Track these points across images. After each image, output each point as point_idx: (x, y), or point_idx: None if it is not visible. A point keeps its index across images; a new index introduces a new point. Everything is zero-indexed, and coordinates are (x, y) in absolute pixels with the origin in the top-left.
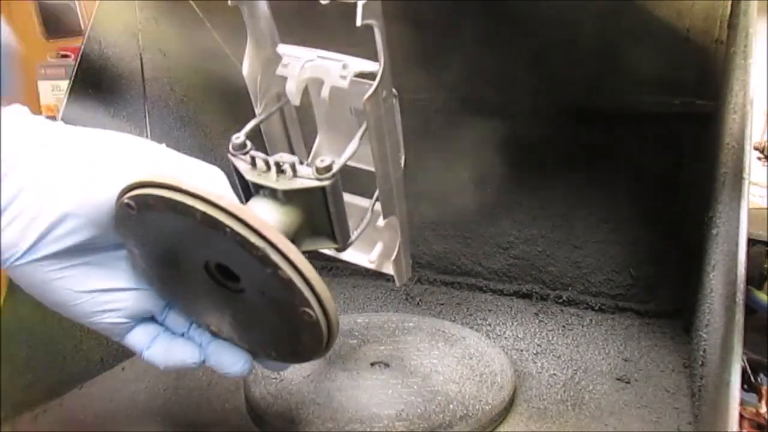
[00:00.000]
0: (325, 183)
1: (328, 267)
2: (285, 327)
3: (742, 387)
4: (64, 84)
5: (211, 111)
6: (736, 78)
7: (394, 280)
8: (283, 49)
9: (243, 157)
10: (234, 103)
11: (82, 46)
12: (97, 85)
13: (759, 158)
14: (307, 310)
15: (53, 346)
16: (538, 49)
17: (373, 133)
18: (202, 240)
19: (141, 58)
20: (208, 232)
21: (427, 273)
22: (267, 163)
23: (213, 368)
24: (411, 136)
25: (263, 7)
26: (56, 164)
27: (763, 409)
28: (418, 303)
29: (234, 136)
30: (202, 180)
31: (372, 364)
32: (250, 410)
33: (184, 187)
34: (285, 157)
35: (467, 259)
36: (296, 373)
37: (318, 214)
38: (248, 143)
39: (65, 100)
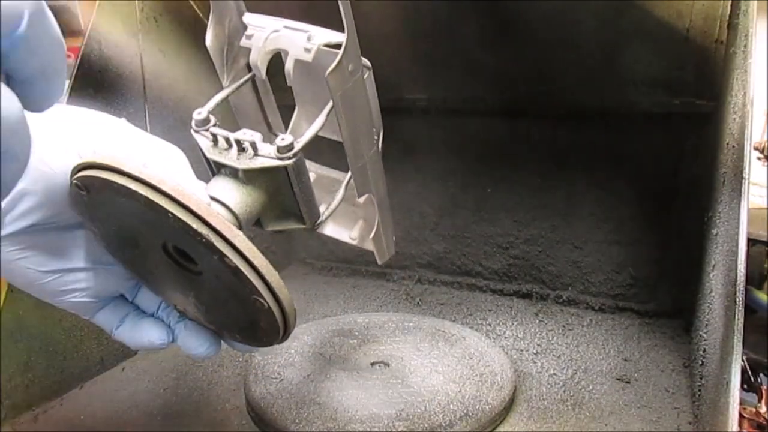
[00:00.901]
0: (287, 162)
1: (328, 267)
2: (242, 312)
3: (742, 387)
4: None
5: (211, 111)
6: (736, 78)
7: (394, 280)
8: (249, 18)
9: (205, 133)
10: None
11: (82, 46)
12: (97, 85)
13: (759, 158)
14: (258, 298)
15: (53, 346)
16: (537, 49)
17: (339, 109)
18: (153, 223)
19: (141, 58)
20: (156, 216)
21: (427, 273)
22: (228, 141)
23: (180, 348)
24: (411, 135)
25: None
26: None
27: (763, 409)
28: (418, 303)
29: (195, 112)
30: (158, 159)
31: (372, 364)
32: (250, 410)
33: (126, 169)
34: (246, 135)
35: (467, 259)
36: (296, 373)
37: (283, 194)
38: (212, 118)
39: (65, 100)
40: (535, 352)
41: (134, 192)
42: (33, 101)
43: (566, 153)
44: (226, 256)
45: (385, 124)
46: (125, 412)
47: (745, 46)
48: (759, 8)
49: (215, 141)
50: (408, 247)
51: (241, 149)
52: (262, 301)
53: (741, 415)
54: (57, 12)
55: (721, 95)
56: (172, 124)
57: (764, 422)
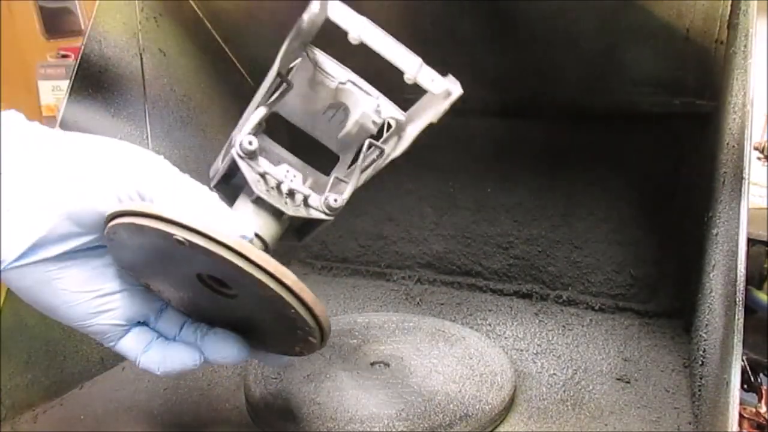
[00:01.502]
0: (331, 218)
1: (328, 267)
2: (279, 330)
3: (742, 387)
4: (64, 84)
5: (211, 111)
6: (736, 78)
7: (394, 280)
8: (318, 57)
9: (252, 163)
10: (235, 103)
11: (82, 46)
12: (97, 85)
13: (759, 158)
14: (311, 337)
15: (53, 346)
16: (538, 48)
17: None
18: (199, 262)
19: (141, 58)
20: (208, 261)
21: (427, 273)
22: (279, 186)
23: (211, 362)
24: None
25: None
26: (53, 171)
27: (763, 409)
28: (418, 303)
29: (245, 140)
30: (195, 200)
31: (372, 364)
32: (250, 410)
33: (216, 236)
34: (297, 185)
35: (467, 259)
36: (296, 373)
37: (297, 222)
38: (256, 146)
39: (65, 100)
40: (535, 352)
41: (224, 259)
42: None
43: (566, 153)
44: (294, 308)
45: None
46: (125, 412)
47: (745, 46)
48: (759, 8)
49: (264, 178)
50: (408, 247)
51: (290, 195)
52: (313, 340)
53: (741, 415)
54: (57, 12)
55: (721, 95)
56: (172, 124)
57: (764, 422)
